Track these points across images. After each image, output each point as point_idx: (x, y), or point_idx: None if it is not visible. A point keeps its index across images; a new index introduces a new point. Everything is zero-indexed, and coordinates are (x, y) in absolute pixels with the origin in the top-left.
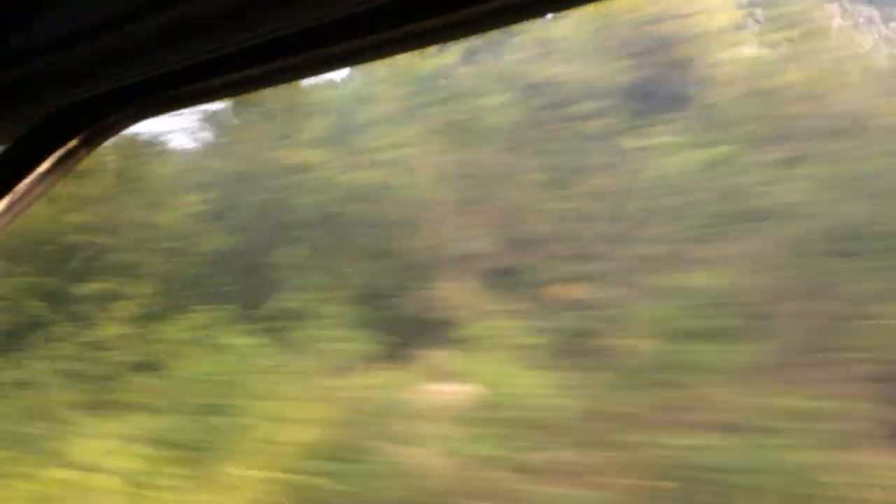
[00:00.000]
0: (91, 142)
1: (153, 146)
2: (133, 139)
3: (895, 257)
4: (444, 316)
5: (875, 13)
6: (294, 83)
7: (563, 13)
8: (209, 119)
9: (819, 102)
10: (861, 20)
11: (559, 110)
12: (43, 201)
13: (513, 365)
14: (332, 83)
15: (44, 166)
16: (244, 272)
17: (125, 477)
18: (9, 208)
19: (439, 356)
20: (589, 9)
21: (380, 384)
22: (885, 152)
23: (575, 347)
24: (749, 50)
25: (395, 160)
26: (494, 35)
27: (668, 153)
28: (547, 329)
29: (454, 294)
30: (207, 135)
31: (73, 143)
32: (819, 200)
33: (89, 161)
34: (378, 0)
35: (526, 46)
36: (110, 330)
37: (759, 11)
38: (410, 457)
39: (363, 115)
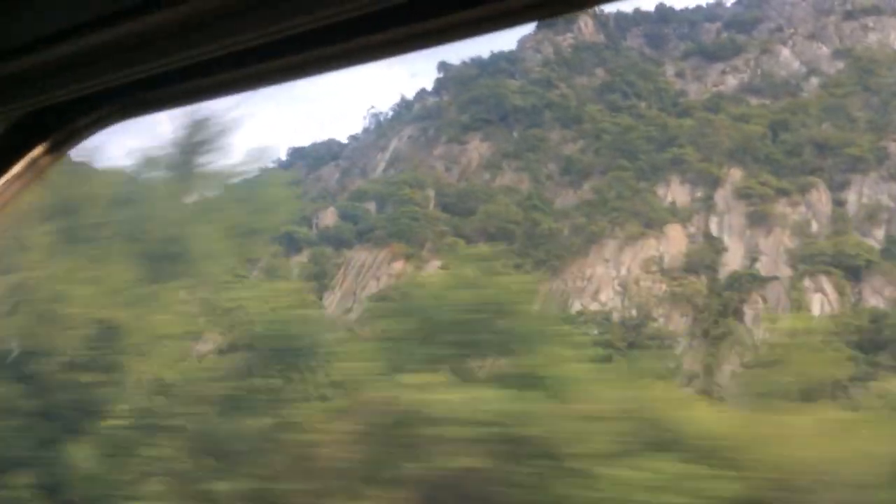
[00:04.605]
0: (61, 146)
1: None
2: None
3: None
4: None
5: None
6: (259, 88)
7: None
8: None
9: None
10: None
11: None
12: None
13: None
14: None
15: (14, 170)
16: None
17: None
18: None
19: None
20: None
21: None
22: None
23: None
24: None
25: None
26: None
27: None
28: None
29: None
30: None
31: (42, 146)
32: None
33: None
34: (357, 5)
35: None
36: None
37: None
38: None
39: None
